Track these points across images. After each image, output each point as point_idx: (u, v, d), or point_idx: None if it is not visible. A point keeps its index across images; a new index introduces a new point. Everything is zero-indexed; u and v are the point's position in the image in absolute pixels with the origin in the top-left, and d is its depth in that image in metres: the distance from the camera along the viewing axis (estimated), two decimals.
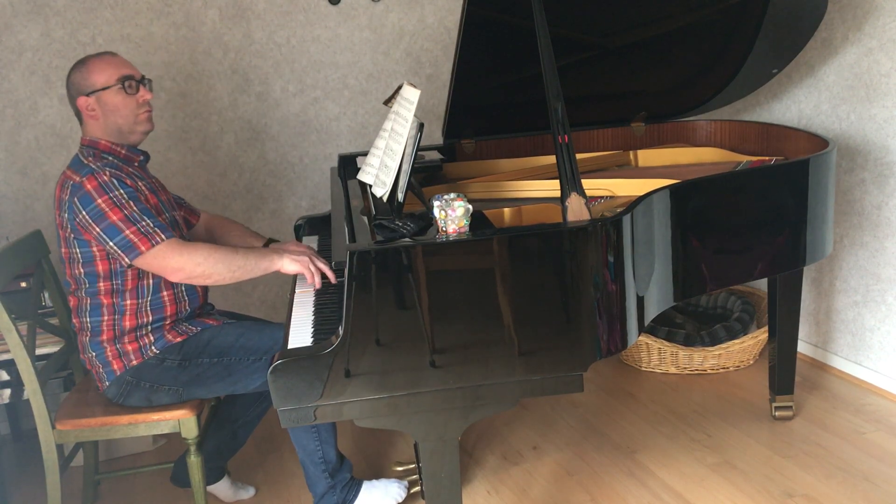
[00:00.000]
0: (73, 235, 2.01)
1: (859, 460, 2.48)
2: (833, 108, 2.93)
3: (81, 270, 2.05)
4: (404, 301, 1.69)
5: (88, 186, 1.96)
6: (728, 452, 2.57)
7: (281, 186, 3.33)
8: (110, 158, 2.08)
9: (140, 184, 2.07)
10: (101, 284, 2.05)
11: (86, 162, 2.02)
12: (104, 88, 2.05)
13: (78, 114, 2.10)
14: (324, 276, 2.08)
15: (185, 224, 2.30)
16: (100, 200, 1.95)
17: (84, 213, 1.96)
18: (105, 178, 1.97)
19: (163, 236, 1.96)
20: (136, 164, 2.15)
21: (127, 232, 1.94)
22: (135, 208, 1.97)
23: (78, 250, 2.03)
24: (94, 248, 2.01)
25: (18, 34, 2.87)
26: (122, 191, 1.97)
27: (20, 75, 2.89)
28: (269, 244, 2.38)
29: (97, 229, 1.96)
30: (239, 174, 3.26)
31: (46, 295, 2.50)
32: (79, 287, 2.08)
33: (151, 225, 1.96)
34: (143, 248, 1.95)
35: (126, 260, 1.97)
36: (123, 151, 2.11)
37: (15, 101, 2.90)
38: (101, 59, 2.08)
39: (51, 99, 2.94)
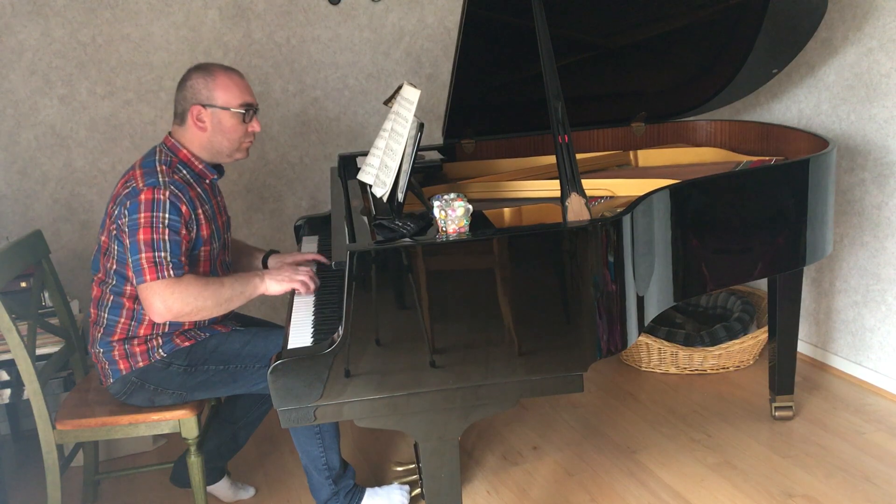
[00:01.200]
0: (115, 232, 2.01)
1: (859, 460, 2.48)
2: (833, 108, 2.93)
3: (114, 266, 2.05)
4: (404, 301, 1.68)
5: (143, 197, 1.94)
6: (728, 452, 2.57)
7: (281, 186, 3.33)
8: (184, 172, 2.07)
9: (200, 211, 2.04)
10: (128, 287, 2.05)
11: (157, 169, 2.00)
12: (224, 108, 2.05)
13: (183, 115, 2.08)
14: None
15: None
16: (143, 215, 1.94)
17: (126, 218, 1.96)
18: (162, 196, 1.95)
19: (170, 273, 1.94)
20: (207, 181, 2.14)
21: (143, 256, 1.93)
22: (165, 237, 1.94)
23: (115, 247, 2.03)
24: (128, 255, 1.99)
25: (18, 34, 2.87)
26: (167, 216, 1.95)
27: (20, 75, 2.89)
28: (270, 255, 2.40)
29: (127, 240, 1.96)
30: (239, 174, 3.26)
31: (46, 295, 2.50)
32: (106, 279, 2.08)
33: (168, 259, 1.94)
34: (147, 278, 1.93)
35: (134, 281, 1.96)
36: (200, 167, 2.10)
37: (15, 101, 2.90)
38: (230, 76, 2.08)
39: (51, 99, 2.94)
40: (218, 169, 2.18)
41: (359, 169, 2.37)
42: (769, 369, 2.74)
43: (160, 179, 1.98)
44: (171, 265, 1.94)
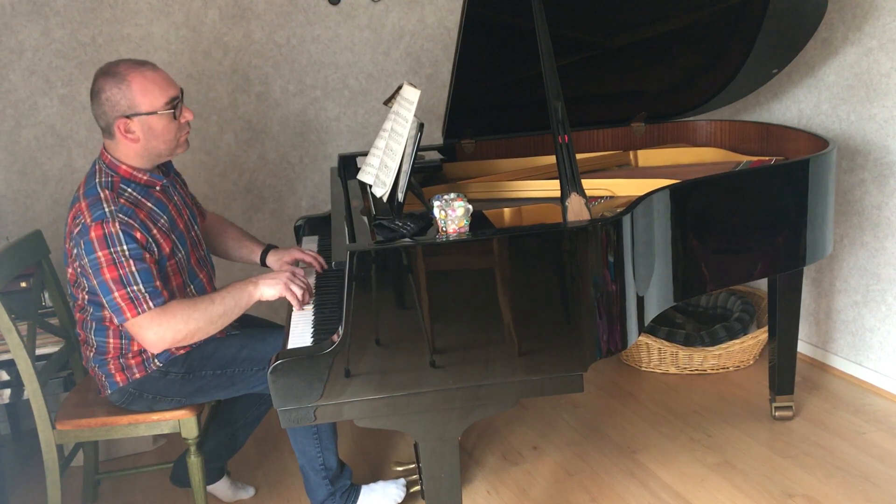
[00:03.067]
0: (80, 270, 1.94)
1: (859, 460, 2.48)
2: (833, 108, 2.92)
3: (86, 297, 2.00)
4: (404, 301, 1.68)
5: (93, 235, 1.84)
6: (728, 452, 2.57)
7: (281, 186, 3.33)
8: (128, 191, 1.94)
9: (155, 230, 1.93)
10: (107, 313, 1.99)
11: (101, 196, 1.88)
12: (150, 113, 1.90)
13: (109, 130, 1.92)
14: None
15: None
16: (101, 253, 1.84)
17: (85, 259, 1.87)
18: (112, 229, 1.84)
19: (150, 304, 1.86)
20: (157, 188, 2.02)
21: (116, 295, 1.85)
22: (132, 269, 1.85)
23: (84, 281, 1.97)
24: (98, 295, 1.93)
25: (18, 34, 2.87)
26: (125, 247, 1.84)
27: (20, 75, 2.89)
28: (269, 250, 2.37)
29: (94, 280, 1.88)
30: (239, 174, 3.26)
31: (46, 295, 2.50)
32: (84, 306, 2.03)
33: (142, 290, 1.85)
34: (128, 315, 1.86)
35: (116, 321, 1.91)
36: (145, 178, 1.98)
37: (15, 101, 2.90)
38: (143, 75, 1.90)
39: (51, 99, 2.94)
40: (165, 169, 2.09)
41: (359, 169, 2.37)
42: (769, 369, 2.74)
43: (106, 210, 1.85)
44: (147, 296, 1.86)
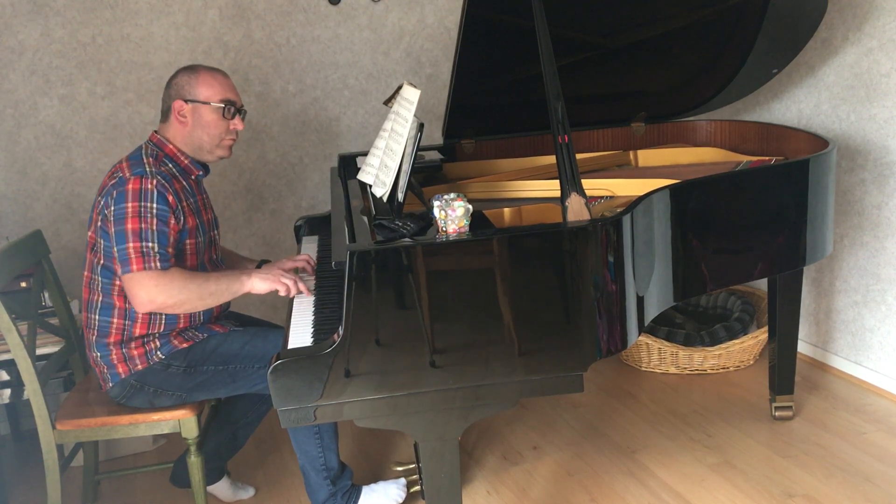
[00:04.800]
0: (101, 224, 2.02)
1: (859, 460, 2.48)
2: (833, 108, 2.93)
3: (101, 261, 2.05)
4: (404, 301, 1.69)
5: (130, 186, 1.96)
6: (728, 452, 2.57)
7: (281, 186, 3.33)
8: (170, 165, 2.09)
9: (185, 203, 2.06)
10: (116, 283, 2.04)
11: (144, 161, 2.03)
12: (205, 103, 2.08)
13: (167, 111, 2.11)
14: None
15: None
16: (131, 204, 1.95)
17: (113, 207, 1.97)
18: (149, 186, 1.97)
19: (157, 265, 1.94)
20: (193, 177, 2.16)
21: (130, 245, 1.93)
22: (153, 227, 1.95)
23: (102, 241, 2.03)
24: (113, 246, 1.99)
25: (18, 34, 2.87)
26: (155, 205, 1.97)
27: (20, 75, 2.89)
28: (262, 265, 2.40)
29: (114, 229, 1.96)
30: (239, 174, 3.26)
31: (46, 295, 2.50)
32: (93, 276, 2.08)
33: (156, 249, 1.95)
34: (134, 267, 1.93)
35: (119, 271, 1.97)
36: (186, 162, 2.13)
37: (15, 101, 2.90)
38: (213, 75, 2.11)
39: (51, 99, 2.94)
40: (203, 166, 2.19)
41: (359, 169, 2.37)
42: (769, 369, 2.74)
43: (147, 170, 2.00)
44: (158, 256, 1.95)
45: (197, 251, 2.12)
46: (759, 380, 3.04)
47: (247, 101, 3.20)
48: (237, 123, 2.14)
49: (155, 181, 1.98)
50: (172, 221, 1.99)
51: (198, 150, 2.13)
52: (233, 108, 2.12)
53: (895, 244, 2.78)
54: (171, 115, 2.10)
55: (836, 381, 3.03)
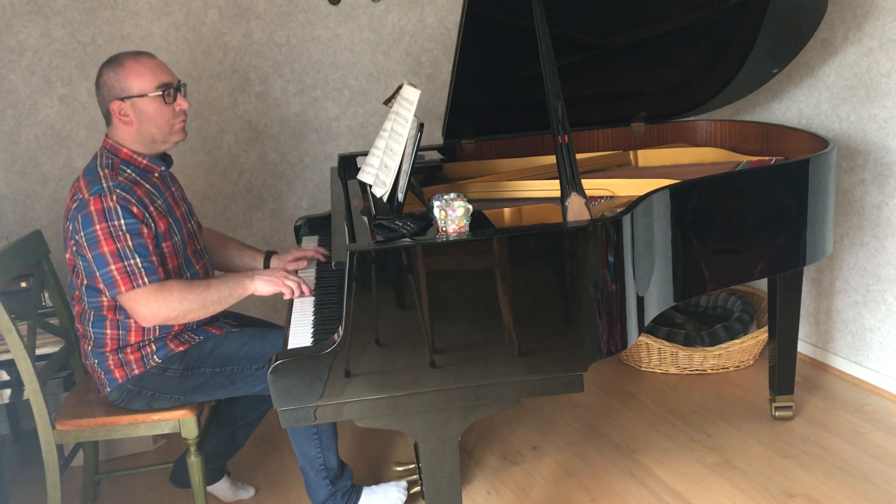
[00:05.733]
0: (76, 248, 1.98)
1: (859, 460, 2.48)
2: (833, 108, 2.93)
3: (85, 281, 2.02)
4: (404, 301, 1.68)
5: (92, 208, 1.90)
6: (728, 452, 2.57)
7: (281, 186, 3.33)
8: (128, 171, 2.01)
9: (152, 207, 1.99)
10: (104, 299, 2.02)
11: (101, 174, 1.95)
12: (141, 95, 1.98)
13: (108, 115, 2.03)
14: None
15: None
16: (98, 227, 1.89)
17: (82, 232, 1.91)
18: (111, 203, 1.90)
19: (145, 279, 1.91)
20: (155, 174, 2.08)
21: (112, 267, 1.90)
22: (129, 243, 1.90)
23: (80, 263, 2.00)
24: (94, 269, 1.96)
25: (18, 34, 2.87)
26: (122, 221, 1.90)
27: (20, 75, 2.89)
28: (271, 256, 2.39)
29: (90, 254, 1.92)
30: (239, 174, 3.26)
31: (46, 295, 2.50)
32: (81, 296, 2.06)
33: (139, 264, 1.91)
34: (122, 289, 1.91)
35: (108, 294, 1.95)
36: (144, 162, 2.04)
37: (15, 101, 2.90)
38: (139, 61, 2.00)
39: (51, 99, 2.94)
40: (165, 160, 2.13)
41: (359, 169, 2.37)
42: (769, 369, 2.74)
43: (104, 185, 1.92)
44: (143, 271, 1.91)
45: (176, 252, 2.07)
46: (759, 380, 3.04)
47: (247, 101, 3.20)
48: (181, 103, 2.03)
49: (114, 196, 1.90)
50: (145, 230, 1.94)
51: (151, 144, 2.04)
52: (171, 89, 2.01)
53: (895, 244, 2.78)
54: (113, 118, 2.01)
55: (836, 381, 3.03)
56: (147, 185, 2.04)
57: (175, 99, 2.03)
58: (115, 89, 1.99)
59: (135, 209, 1.93)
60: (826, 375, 3.08)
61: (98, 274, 1.92)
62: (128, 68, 1.98)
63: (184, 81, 2.11)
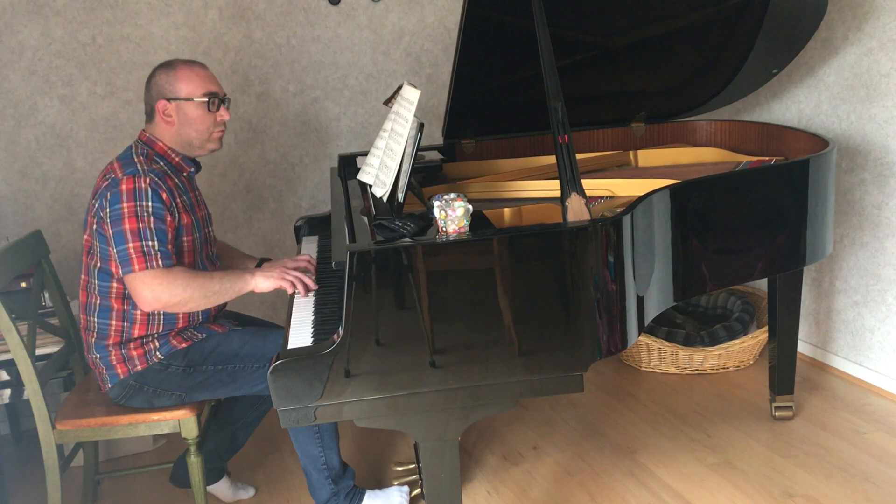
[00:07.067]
0: (96, 227, 2.01)
1: (859, 460, 2.48)
2: (833, 108, 2.93)
3: (98, 264, 2.05)
4: (404, 301, 1.68)
5: (123, 187, 1.95)
6: (728, 452, 2.57)
7: (281, 186, 3.33)
8: (161, 163, 2.08)
9: (178, 200, 2.05)
10: (114, 285, 2.04)
11: (135, 160, 2.02)
12: (187, 99, 2.07)
13: (151, 112, 2.10)
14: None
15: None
16: (126, 204, 1.94)
17: (108, 209, 1.96)
18: (143, 184, 1.96)
19: (159, 262, 1.94)
20: (184, 174, 2.15)
21: (130, 245, 1.93)
22: (151, 225, 1.95)
23: (98, 244, 2.03)
24: (110, 248, 1.99)
25: (18, 34, 2.87)
26: (150, 203, 1.96)
27: (20, 75, 2.89)
28: (262, 264, 2.40)
29: (111, 230, 1.95)
30: (239, 174, 3.26)
31: (46, 295, 2.50)
32: (90, 280, 2.08)
33: (156, 247, 1.94)
34: (136, 267, 1.93)
35: (120, 272, 1.96)
36: (177, 159, 2.12)
37: (15, 101, 2.90)
38: (191, 68, 2.10)
39: (51, 99, 2.94)
40: (195, 163, 2.19)
41: (359, 169, 2.37)
42: (769, 369, 2.74)
43: (139, 168, 1.99)
44: (159, 254, 1.95)
45: (194, 248, 2.11)
46: (759, 380, 3.04)
47: (247, 101, 3.20)
48: (223, 114, 2.12)
49: (148, 179, 1.97)
50: (169, 218, 1.99)
51: (188, 146, 2.12)
52: (216, 99, 2.10)
53: (895, 244, 2.78)
54: (156, 116, 2.09)
55: (836, 381, 3.03)
56: (176, 180, 2.10)
57: (218, 109, 2.12)
58: (164, 89, 2.08)
59: (164, 195, 1.99)
60: (826, 375, 3.08)
61: (115, 251, 1.95)
62: (180, 73, 2.08)
63: (230, 97, 2.19)
